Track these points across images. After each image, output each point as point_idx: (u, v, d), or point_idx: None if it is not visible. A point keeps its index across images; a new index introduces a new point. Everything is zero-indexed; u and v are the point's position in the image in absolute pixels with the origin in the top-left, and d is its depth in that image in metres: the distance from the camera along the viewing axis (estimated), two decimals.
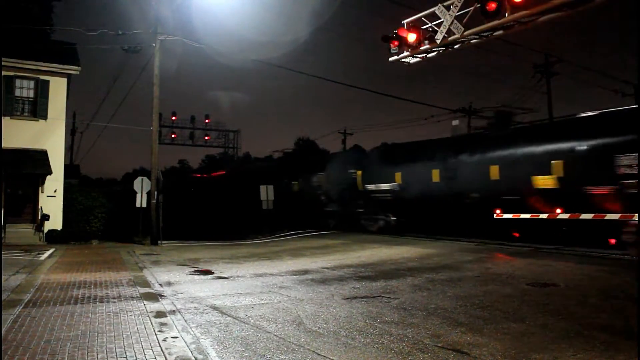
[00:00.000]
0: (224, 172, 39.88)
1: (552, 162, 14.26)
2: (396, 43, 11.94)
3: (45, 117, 19.60)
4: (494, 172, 16.02)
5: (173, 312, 6.95)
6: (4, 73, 17.96)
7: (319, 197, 25.56)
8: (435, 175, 18.54)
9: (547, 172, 14.41)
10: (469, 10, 10.63)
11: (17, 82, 19.22)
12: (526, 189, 14.94)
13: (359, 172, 23.01)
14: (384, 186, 21.39)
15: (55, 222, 19.26)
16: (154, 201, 19.74)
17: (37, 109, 19.51)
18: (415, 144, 22.88)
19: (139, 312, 6.86)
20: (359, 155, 26.69)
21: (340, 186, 24.04)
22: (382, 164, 21.91)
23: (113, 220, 22.21)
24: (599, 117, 14.65)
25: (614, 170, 12.74)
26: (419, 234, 19.54)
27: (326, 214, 24.96)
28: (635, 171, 12.45)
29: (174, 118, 37.83)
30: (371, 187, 22.16)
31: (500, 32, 10.71)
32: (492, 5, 9.80)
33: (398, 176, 20.46)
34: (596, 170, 13.21)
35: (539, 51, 36.31)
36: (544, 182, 14.54)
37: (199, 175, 50.22)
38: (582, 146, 13.69)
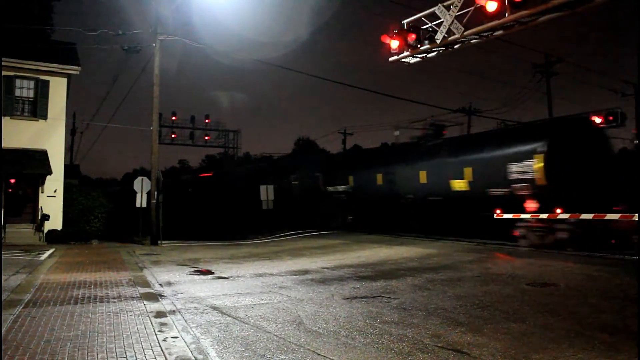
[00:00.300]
0: (211, 174, 40.27)
1: (465, 169, 17.09)
2: (396, 43, 11.93)
3: (45, 117, 19.60)
4: (423, 176, 19.01)
5: (173, 312, 6.95)
6: (4, 73, 17.94)
7: (291, 198, 27.64)
8: (379, 179, 21.69)
9: (461, 177, 17.22)
10: (469, 10, 10.61)
11: (17, 82, 19.22)
12: (446, 191, 17.83)
13: (321, 175, 25.94)
14: (341, 188, 24.41)
15: (55, 222, 19.26)
16: (154, 201, 19.73)
17: (37, 109, 19.50)
18: (364, 151, 26.45)
19: (139, 312, 6.86)
20: (323, 160, 29.82)
21: (307, 188, 26.41)
22: (340, 168, 25.20)
23: (113, 220, 22.21)
24: (497, 132, 18.41)
25: (506, 176, 15.39)
26: (371, 229, 21.71)
27: (297, 213, 26.87)
28: (522, 177, 15.01)
29: (174, 118, 37.71)
30: (331, 188, 25.18)
31: (501, 32, 10.69)
32: (492, 6, 9.79)
33: (351, 179, 23.65)
34: (495, 176, 15.84)
35: (539, 51, 36.36)
36: (458, 185, 17.40)
37: (188, 176, 50.41)
38: (485, 156, 16.55)
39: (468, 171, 16.94)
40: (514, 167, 15.11)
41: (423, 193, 18.95)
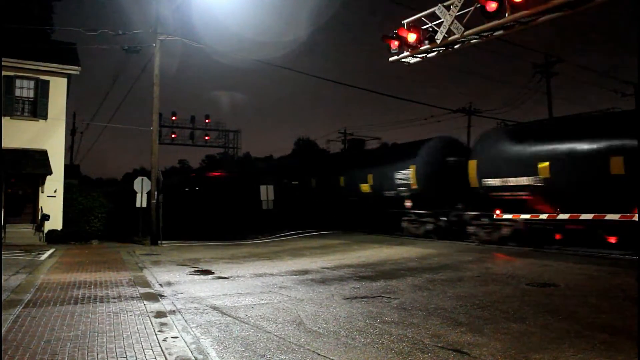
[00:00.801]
0: (194, 175, 40.84)
1: (368, 175, 21.53)
2: (396, 43, 11.93)
3: (45, 117, 19.60)
4: (342, 181, 23.64)
5: (173, 312, 6.95)
6: (4, 73, 17.95)
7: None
8: (313, 183, 26.51)
9: (366, 182, 21.66)
10: (469, 10, 10.62)
11: (17, 82, 19.23)
12: (358, 193, 22.21)
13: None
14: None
15: (55, 222, 19.26)
16: (154, 201, 19.73)
17: (37, 109, 19.51)
18: (303, 160, 32.43)
19: (139, 312, 6.86)
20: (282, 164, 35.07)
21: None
22: (287, 174, 29.62)
23: (113, 220, 22.22)
24: (391, 147, 24.04)
25: (395, 181, 19.78)
26: (309, 225, 25.40)
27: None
28: (403, 182, 19.48)
29: (174, 118, 37.67)
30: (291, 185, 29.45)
31: (501, 32, 10.70)
32: (492, 6, 9.80)
33: (294, 185, 28.41)
34: (388, 181, 20.18)
35: (539, 51, 36.38)
36: (365, 188, 21.78)
37: (176, 177, 50.79)
38: (382, 166, 20.98)
39: (370, 177, 21.49)
40: (398, 175, 19.69)
41: (343, 194, 23.61)
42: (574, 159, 13.62)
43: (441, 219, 18.26)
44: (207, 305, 7.40)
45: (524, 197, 15.06)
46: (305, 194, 27.43)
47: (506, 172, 15.49)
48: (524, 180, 14.86)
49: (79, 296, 8.00)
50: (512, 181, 15.29)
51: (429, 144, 19.64)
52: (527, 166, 14.77)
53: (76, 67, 20.18)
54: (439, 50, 11.87)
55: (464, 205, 17.53)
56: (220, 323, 6.33)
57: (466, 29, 10.73)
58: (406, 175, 19.28)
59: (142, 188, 19.78)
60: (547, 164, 14.25)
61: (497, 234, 15.88)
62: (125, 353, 5.02)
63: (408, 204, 19.42)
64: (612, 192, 12.88)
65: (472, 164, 16.75)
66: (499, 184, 15.74)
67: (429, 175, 18.62)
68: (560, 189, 14.01)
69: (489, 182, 16.10)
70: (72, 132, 34.51)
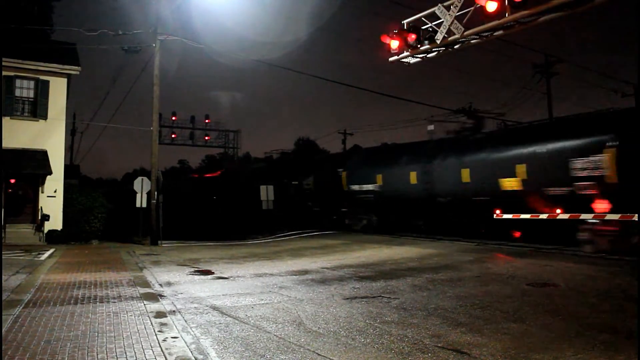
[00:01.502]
0: (180, 182, 42.34)
1: (292, 182, 28.77)
2: (396, 43, 11.92)
3: (45, 117, 19.60)
4: (292, 191, 29.26)
5: (173, 312, 6.95)
6: (4, 73, 17.94)
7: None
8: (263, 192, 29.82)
9: (291, 186, 28.87)
10: (469, 10, 10.60)
11: (17, 82, 19.22)
12: (288, 195, 28.23)
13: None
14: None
15: (55, 222, 19.26)
16: (154, 201, 19.73)
17: (37, 109, 19.50)
18: (256, 169, 38.40)
19: (139, 312, 6.86)
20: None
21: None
22: (287, 174, 33.90)
23: (113, 220, 22.21)
24: (306, 162, 30.57)
25: (303, 187, 27.69)
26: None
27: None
28: (307, 187, 27.59)
29: (174, 118, 37.60)
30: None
31: (501, 32, 10.68)
32: (492, 6, 9.78)
33: (294, 185, 32.20)
34: (301, 187, 27.90)
35: (539, 51, 36.40)
36: (291, 191, 28.77)
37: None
38: (299, 175, 28.64)
39: (293, 184, 28.94)
40: (305, 182, 27.85)
41: (284, 196, 28.36)
42: (392, 173, 20.28)
43: (330, 214, 25.00)
44: (207, 306, 7.40)
45: (371, 198, 21.44)
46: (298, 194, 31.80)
47: (361, 181, 22.03)
48: (370, 187, 21.38)
49: (79, 296, 8.00)
50: (365, 187, 21.76)
51: (326, 159, 27.59)
52: (371, 177, 21.18)
53: (76, 67, 20.18)
54: (439, 50, 11.83)
55: (345, 204, 23.71)
56: (220, 323, 6.33)
57: (466, 29, 10.70)
58: (309, 182, 27.17)
59: (142, 188, 19.78)
60: (380, 175, 20.86)
61: (361, 224, 22.51)
62: (125, 353, 5.02)
63: (309, 203, 26.92)
64: (413, 197, 19.08)
65: (344, 175, 23.57)
66: (358, 189, 22.32)
67: (322, 182, 26.01)
68: (388, 193, 20.53)
69: (353, 187, 22.72)
70: (72, 132, 34.47)
